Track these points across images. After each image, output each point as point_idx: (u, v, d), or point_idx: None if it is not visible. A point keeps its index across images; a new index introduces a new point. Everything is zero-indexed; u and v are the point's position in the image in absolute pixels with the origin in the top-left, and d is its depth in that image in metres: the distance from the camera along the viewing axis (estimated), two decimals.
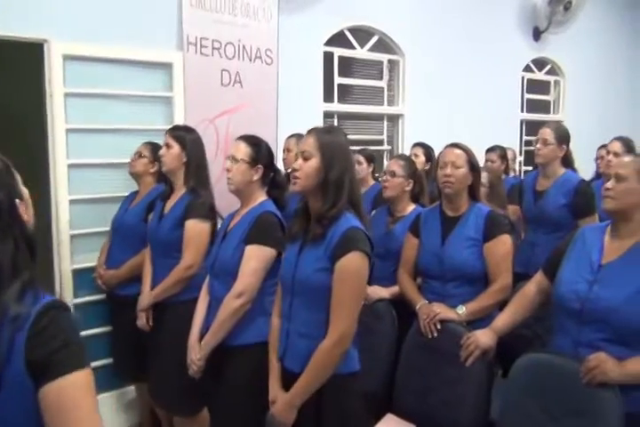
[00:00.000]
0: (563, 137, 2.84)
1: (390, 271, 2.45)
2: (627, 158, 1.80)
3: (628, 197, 1.72)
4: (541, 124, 6.10)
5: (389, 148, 4.65)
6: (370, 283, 2.50)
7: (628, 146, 3.26)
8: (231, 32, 3.58)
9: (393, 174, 2.50)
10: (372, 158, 3.79)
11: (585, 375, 1.61)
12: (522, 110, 5.71)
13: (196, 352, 1.99)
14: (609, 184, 1.77)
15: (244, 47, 3.65)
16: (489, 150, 4.06)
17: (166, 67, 3.30)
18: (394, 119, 4.65)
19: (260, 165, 2.07)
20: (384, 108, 4.55)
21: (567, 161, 2.87)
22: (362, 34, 4.39)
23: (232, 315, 1.93)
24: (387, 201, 2.63)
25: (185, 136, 2.49)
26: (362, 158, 3.70)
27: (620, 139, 3.34)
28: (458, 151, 2.21)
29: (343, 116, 4.38)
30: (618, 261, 1.72)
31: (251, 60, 3.69)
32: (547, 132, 2.85)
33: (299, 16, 3.92)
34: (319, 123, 3.99)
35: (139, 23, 3.15)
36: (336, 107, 4.23)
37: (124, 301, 2.61)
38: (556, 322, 1.81)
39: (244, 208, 2.10)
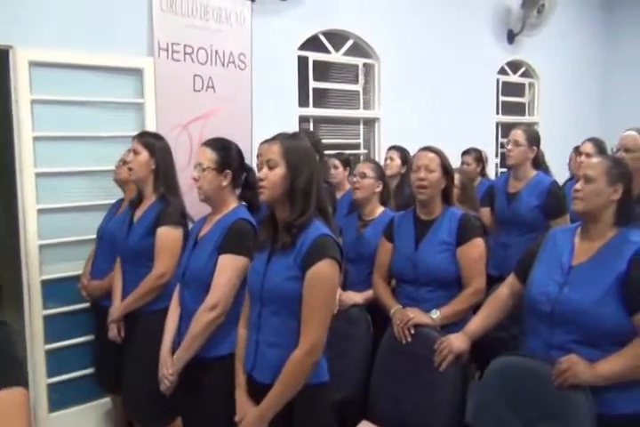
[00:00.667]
0: (533, 139, 2.86)
1: (363, 276, 2.44)
2: (595, 160, 1.80)
3: (597, 199, 1.73)
4: (517, 126, 6.18)
5: (366, 151, 4.64)
6: (343, 288, 2.52)
7: (600, 147, 3.29)
8: (203, 37, 3.54)
9: (363, 175, 2.50)
10: (349, 162, 3.78)
11: (557, 378, 1.61)
12: (497, 112, 5.75)
13: (168, 367, 1.94)
14: (578, 185, 1.77)
15: (216, 52, 3.61)
16: (464, 153, 4.08)
17: (137, 72, 3.26)
18: (370, 123, 4.65)
19: (228, 170, 2.03)
20: (360, 112, 4.55)
21: (538, 163, 2.89)
22: (336, 38, 4.38)
23: (205, 328, 1.88)
24: (357, 204, 2.62)
25: (154, 143, 2.45)
26: (338, 163, 3.69)
27: (591, 140, 3.37)
28: (431, 155, 2.20)
29: (319, 121, 4.37)
30: (588, 262, 1.72)
31: (224, 64, 3.66)
32: (517, 134, 2.86)
33: (272, 20, 3.90)
34: (294, 127, 3.97)
35: (108, 28, 3.10)
36: (311, 111, 4.22)
37: (108, 312, 2.54)
38: (528, 324, 1.81)
39: (216, 214, 2.05)
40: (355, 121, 4.57)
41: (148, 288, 2.30)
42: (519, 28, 5.66)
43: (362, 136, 4.60)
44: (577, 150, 4.04)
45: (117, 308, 2.37)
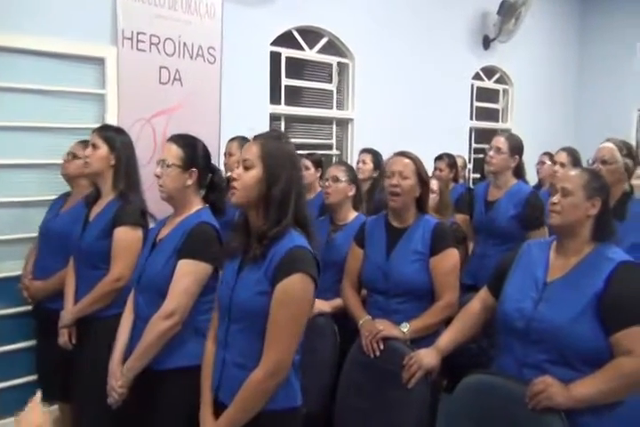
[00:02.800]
0: (516, 147, 2.79)
1: (332, 283, 2.32)
2: (572, 172, 1.74)
3: (574, 212, 1.66)
4: (491, 132, 6.16)
5: (338, 152, 4.54)
6: None
7: (574, 156, 3.26)
8: (171, 27, 3.38)
9: (336, 179, 2.38)
10: (320, 163, 3.67)
11: (530, 400, 1.52)
12: (471, 118, 5.72)
13: (117, 378, 1.79)
14: (555, 199, 1.70)
15: (184, 44, 3.45)
16: (437, 159, 4.01)
17: (98, 62, 3.08)
18: (343, 123, 4.54)
19: (194, 169, 1.89)
20: (333, 112, 4.44)
21: (519, 172, 2.82)
22: (311, 35, 4.27)
23: (159, 338, 1.75)
24: (329, 208, 2.50)
25: (114, 137, 2.29)
26: (309, 163, 3.57)
27: (566, 149, 3.33)
28: (406, 161, 2.10)
29: (291, 119, 4.24)
30: (563, 279, 1.64)
31: (192, 57, 3.50)
32: (500, 141, 2.79)
33: (245, 13, 3.75)
34: (265, 125, 3.85)
35: (69, 14, 2.92)
36: (283, 109, 4.09)
37: (54, 315, 2.36)
38: (501, 340, 1.73)
39: (178, 216, 1.92)
40: (328, 121, 4.46)
41: (103, 292, 2.14)
42: (495, 34, 5.65)
43: (334, 137, 4.49)
44: (549, 156, 4.03)
45: (69, 312, 2.21)
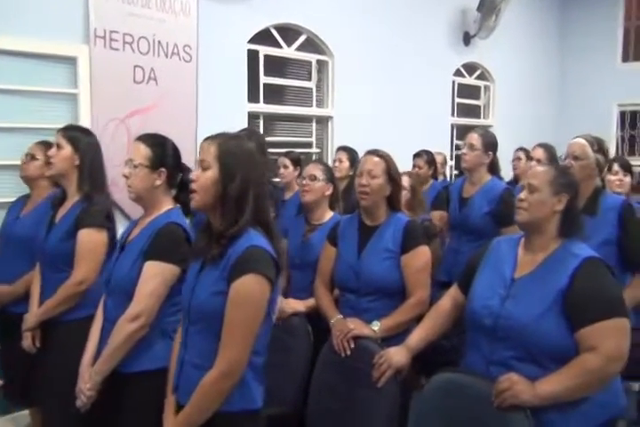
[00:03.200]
0: (489, 144, 2.79)
1: (307, 283, 2.30)
2: (539, 168, 1.74)
3: (541, 209, 1.66)
4: (472, 128, 6.17)
5: (318, 150, 4.52)
6: (286, 295, 2.39)
7: (550, 152, 3.27)
8: (145, 26, 3.35)
9: (313, 178, 2.36)
10: (299, 162, 3.65)
11: (496, 398, 1.52)
12: (452, 114, 5.73)
13: (86, 381, 1.77)
14: (522, 195, 1.70)
15: (159, 42, 3.42)
16: (416, 156, 4.01)
17: (70, 61, 3.05)
18: (323, 121, 4.53)
19: (163, 169, 1.86)
20: (313, 110, 4.43)
21: (493, 168, 2.82)
22: (289, 32, 4.25)
23: (126, 340, 1.72)
24: (305, 207, 2.48)
25: (79, 137, 2.25)
26: (288, 162, 3.55)
27: (542, 145, 3.35)
28: (375, 159, 2.09)
29: (270, 118, 4.22)
30: (530, 275, 1.64)
31: (167, 56, 3.47)
32: (474, 138, 2.79)
33: (221, 11, 3.73)
34: (243, 124, 3.82)
35: (39, 13, 2.88)
36: (262, 107, 4.07)
37: (18, 319, 2.33)
38: (470, 338, 1.73)
39: (148, 217, 1.89)
40: (307, 119, 4.44)
41: (65, 295, 2.11)
42: (475, 31, 5.65)
43: (314, 135, 4.48)
44: (524, 152, 4.03)
45: (33, 315, 2.18)
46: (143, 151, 1.85)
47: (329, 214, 2.39)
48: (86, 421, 1.91)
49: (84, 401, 1.78)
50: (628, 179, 3.01)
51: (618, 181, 2.95)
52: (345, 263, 2.10)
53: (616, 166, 2.99)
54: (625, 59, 6.67)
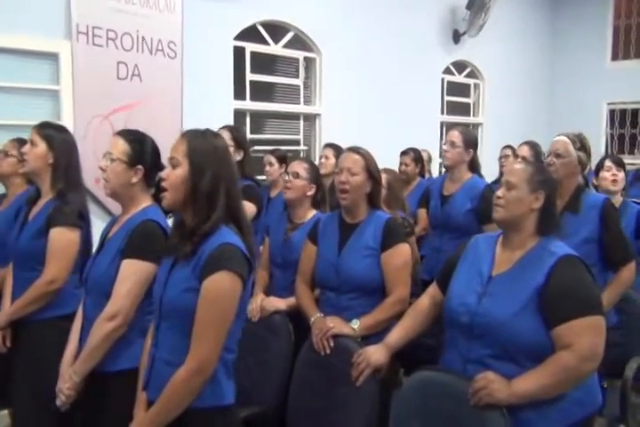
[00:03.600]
0: (470, 141, 2.78)
1: (289, 281, 2.29)
2: (517, 166, 1.73)
3: (518, 206, 1.65)
4: (454, 126, 6.16)
5: (306, 148, 4.50)
6: (268, 294, 2.38)
7: (535, 150, 3.26)
8: (128, 22, 3.32)
9: (296, 175, 2.34)
10: (285, 159, 3.63)
11: (472, 397, 1.51)
12: (442, 112, 5.73)
13: (65, 381, 1.75)
14: (499, 192, 1.69)
15: (143, 38, 3.40)
16: (403, 153, 3.99)
17: (52, 57, 3.02)
18: (310, 119, 4.51)
19: (140, 166, 1.84)
20: (300, 108, 4.41)
21: (474, 166, 2.81)
22: (276, 29, 4.22)
23: (104, 340, 1.71)
24: (288, 205, 2.46)
25: (54, 135, 2.21)
26: (273, 159, 3.53)
27: (527, 143, 3.34)
28: (355, 157, 2.07)
29: (257, 115, 4.20)
30: (507, 273, 1.63)
31: (151, 52, 3.45)
32: (454, 135, 2.78)
33: (206, 7, 3.70)
34: (229, 121, 3.80)
35: (20, 8, 2.85)
36: (248, 105, 4.05)
37: None
38: (447, 336, 1.72)
39: (125, 215, 1.87)
40: (295, 116, 4.42)
41: (35, 294, 2.08)
42: (465, 29, 5.64)
43: (302, 132, 4.46)
44: (511, 149, 4.03)
45: (3, 314, 2.15)
46: (122, 147, 1.83)
47: (311, 213, 2.37)
48: (66, 420, 1.90)
49: (63, 401, 1.77)
50: (622, 174, 2.89)
51: (612, 176, 2.84)
52: (325, 261, 2.08)
53: (608, 162, 2.89)
54: (614, 57, 6.68)
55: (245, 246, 1.45)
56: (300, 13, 4.24)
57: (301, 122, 4.45)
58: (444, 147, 2.81)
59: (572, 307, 1.51)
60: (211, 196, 1.42)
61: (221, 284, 1.38)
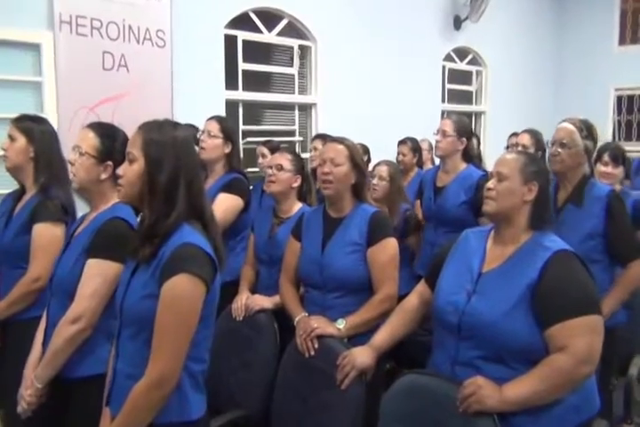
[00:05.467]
0: (463, 130, 2.66)
1: (275, 279, 2.19)
2: (509, 156, 1.62)
3: (510, 198, 1.54)
4: (463, 114, 6.02)
5: (301, 139, 4.39)
6: (254, 292, 2.29)
7: (537, 138, 3.13)
8: (114, 10, 3.22)
9: (280, 168, 2.24)
10: (278, 150, 3.53)
11: (461, 403, 1.41)
12: (443, 101, 5.59)
13: (27, 387, 1.67)
14: (490, 184, 1.59)
15: (129, 27, 3.30)
16: (400, 143, 3.88)
17: (33, 48, 2.92)
18: (306, 109, 4.40)
19: (110, 162, 1.75)
20: (295, 97, 4.30)
21: (468, 155, 2.69)
22: (269, 17, 4.10)
23: (67, 344, 1.62)
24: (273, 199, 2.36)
25: (33, 127, 2.13)
26: (266, 151, 3.42)
27: (529, 131, 3.21)
28: (339, 147, 1.97)
29: (251, 105, 4.09)
30: (498, 269, 1.53)
31: (138, 41, 3.34)
32: (446, 124, 2.67)
33: None
34: (220, 111, 3.70)
35: None
36: (241, 95, 3.94)
37: None
38: (436, 336, 1.62)
39: (93, 212, 1.79)
40: (289, 106, 4.31)
41: (20, 293, 2.01)
42: (466, 14, 5.49)
43: (297, 122, 4.35)
44: (515, 137, 3.89)
45: None
46: (91, 140, 1.74)
47: (297, 207, 2.27)
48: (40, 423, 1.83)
49: (24, 407, 1.69)
50: (617, 171, 2.70)
51: (605, 174, 2.66)
52: (309, 258, 1.99)
53: (606, 157, 2.70)
54: (622, 42, 6.50)
55: (211, 246, 1.35)
56: (294, 0, 4.11)
57: (296, 112, 4.34)
58: (436, 137, 2.70)
59: (567, 306, 1.40)
60: (169, 191, 1.32)
61: (180, 288, 1.27)
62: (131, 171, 1.34)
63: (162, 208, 1.32)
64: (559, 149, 2.15)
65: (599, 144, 2.80)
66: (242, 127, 4.00)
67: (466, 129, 2.69)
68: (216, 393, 2.13)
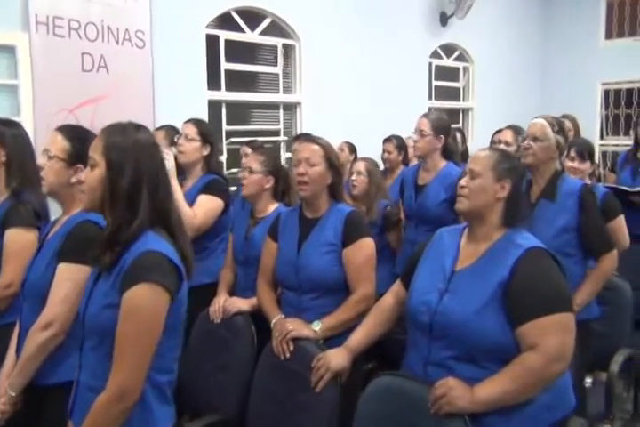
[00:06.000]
0: (440, 127, 2.65)
1: (252, 280, 2.17)
2: (482, 153, 1.61)
3: (482, 196, 1.53)
4: (451, 111, 6.00)
5: (286, 138, 4.37)
6: (232, 294, 2.27)
7: (519, 135, 3.12)
8: (92, 11, 3.19)
9: (250, 171, 2.22)
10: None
11: (432, 405, 1.40)
12: (430, 98, 5.57)
13: (1, 395, 1.65)
14: (463, 182, 1.57)
15: (108, 28, 3.27)
16: (385, 140, 3.86)
17: (8, 50, 2.89)
18: (291, 108, 4.37)
19: (80, 165, 1.72)
20: (279, 96, 4.27)
21: (447, 153, 2.68)
22: (252, 16, 4.07)
23: (39, 350, 1.60)
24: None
25: (4, 131, 2.11)
26: (249, 151, 3.39)
27: (511, 127, 3.20)
28: (314, 147, 1.95)
29: (234, 105, 4.06)
30: (470, 267, 1.52)
31: (118, 42, 3.31)
32: (423, 123, 2.65)
33: None
34: (203, 112, 3.68)
35: None
36: (223, 95, 3.91)
37: None
38: (410, 336, 1.60)
39: (65, 216, 1.76)
40: (274, 106, 4.29)
41: None
42: (452, 11, 5.47)
43: (282, 122, 4.32)
44: (498, 135, 3.88)
45: None
46: (61, 143, 1.72)
47: (272, 206, 2.25)
48: None
49: None
50: (584, 166, 2.65)
51: (572, 168, 2.61)
52: (284, 259, 1.97)
53: (572, 152, 2.64)
54: (608, 36, 6.48)
55: (178, 254, 1.32)
56: None
57: (281, 111, 4.31)
58: (414, 136, 2.68)
59: (538, 303, 1.39)
60: (131, 197, 1.28)
61: (141, 298, 1.23)
62: (91, 176, 1.32)
63: (124, 214, 1.29)
64: (531, 143, 2.19)
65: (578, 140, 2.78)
66: (226, 127, 3.98)
67: (443, 126, 2.68)
68: (194, 397, 2.13)
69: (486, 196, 1.53)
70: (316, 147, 1.94)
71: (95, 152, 1.32)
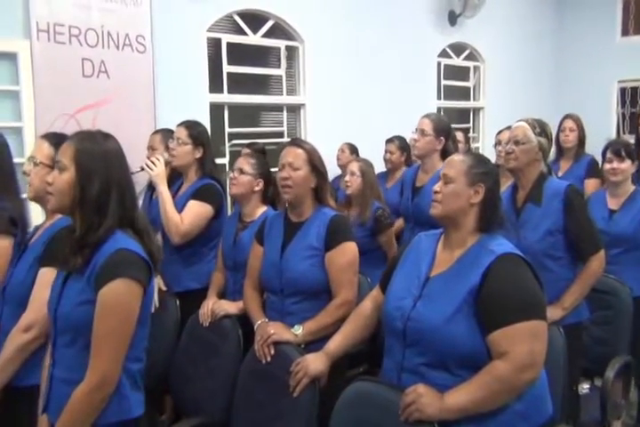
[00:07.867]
0: (441, 128, 2.63)
1: (241, 284, 2.18)
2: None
3: (456, 201, 1.51)
4: (460, 111, 5.93)
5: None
6: (221, 297, 2.28)
7: None
8: (92, 17, 3.23)
9: (240, 172, 2.24)
10: (264, 153, 3.53)
11: (402, 412, 1.39)
12: (439, 97, 5.51)
13: None
14: (437, 187, 1.56)
15: (108, 33, 3.30)
16: (388, 141, 3.84)
17: (10, 57, 2.94)
18: (294, 110, 4.37)
19: None
20: (283, 98, 4.27)
21: (446, 155, 2.65)
22: (254, 18, 4.08)
23: (18, 352, 1.63)
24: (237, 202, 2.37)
25: None
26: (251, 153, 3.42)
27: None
28: (297, 151, 1.95)
29: (237, 108, 4.08)
30: (444, 273, 1.50)
31: (118, 47, 3.35)
32: (424, 123, 2.64)
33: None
34: (205, 115, 3.69)
35: None
36: (225, 98, 3.93)
37: None
38: (386, 342, 1.59)
39: (48, 221, 1.80)
40: (278, 108, 4.29)
41: None
42: (461, 9, 5.40)
43: (286, 124, 4.32)
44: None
45: None
46: (46, 150, 1.78)
47: (260, 210, 2.26)
48: None
49: None
50: (624, 165, 2.56)
51: (611, 169, 2.56)
52: (269, 263, 1.97)
53: (609, 153, 2.58)
54: (625, 33, 6.34)
55: (145, 250, 1.38)
56: (278, 1, 4.08)
57: (285, 113, 4.31)
58: (414, 136, 2.66)
59: (509, 310, 1.37)
60: (100, 202, 1.35)
61: (119, 292, 1.31)
62: (60, 180, 1.36)
63: (93, 219, 1.35)
64: (513, 147, 2.16)
65: (602, 139, 2.71)
66: (228, 130, 3.99)
67: (444, 128, 2.66)
68: (183, 399, 2.15)
69: (460, 201, 1.52)
70: (300, 151, 1.95)
71: (64, 156, 1.37)
